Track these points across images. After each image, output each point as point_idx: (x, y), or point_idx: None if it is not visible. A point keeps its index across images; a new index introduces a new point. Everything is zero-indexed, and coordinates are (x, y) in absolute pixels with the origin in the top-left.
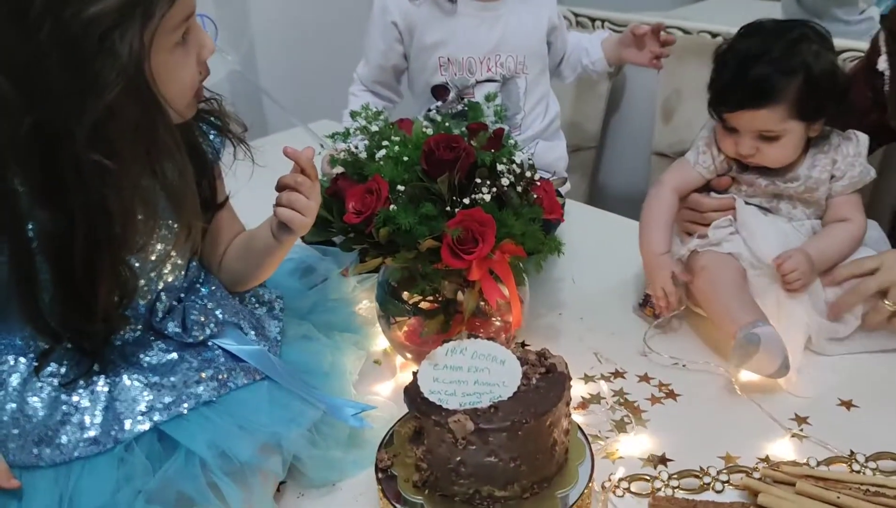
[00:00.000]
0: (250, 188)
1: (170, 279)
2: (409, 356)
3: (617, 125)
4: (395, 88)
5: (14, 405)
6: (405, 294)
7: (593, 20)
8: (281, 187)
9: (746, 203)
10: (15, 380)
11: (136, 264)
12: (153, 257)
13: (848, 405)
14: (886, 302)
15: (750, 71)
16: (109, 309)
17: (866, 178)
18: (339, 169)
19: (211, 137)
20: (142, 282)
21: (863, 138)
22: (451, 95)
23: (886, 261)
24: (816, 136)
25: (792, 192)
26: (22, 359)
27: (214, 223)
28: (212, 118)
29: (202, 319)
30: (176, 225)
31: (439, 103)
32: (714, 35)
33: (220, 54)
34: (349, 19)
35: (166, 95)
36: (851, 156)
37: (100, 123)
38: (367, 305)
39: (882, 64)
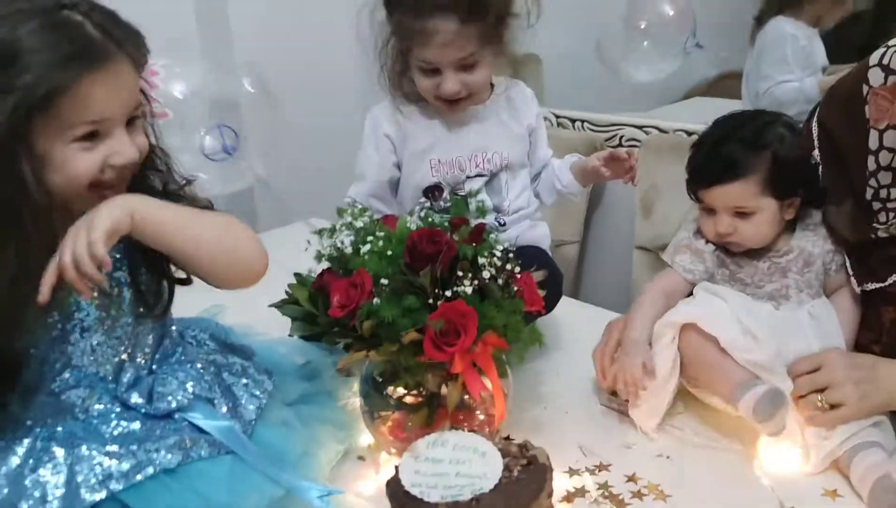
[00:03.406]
0: None
1: (125, 358)
2: (392, 451)
3: (598, 220)
4: (391, 201)
5: None
6: (389, 388)
7: (573, 120)
8: None
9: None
10: None
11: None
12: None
13: (833, 494)
14: (819, 398)
15: (721, 148)
16: None
17: None
18: (325, 264)
19: None
20: (91, 359)
21: None
22: (445, 192)
23: (827, 361)
24: (793, 218)
25: (793, 267)
26: None
27: None
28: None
29: (171, 391)
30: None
31: (427, 202)
32: (689, 133)
33: (250, 166)
34: (354, 120)
35: (50, 180)
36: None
37: None
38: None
39: (816, 157)
